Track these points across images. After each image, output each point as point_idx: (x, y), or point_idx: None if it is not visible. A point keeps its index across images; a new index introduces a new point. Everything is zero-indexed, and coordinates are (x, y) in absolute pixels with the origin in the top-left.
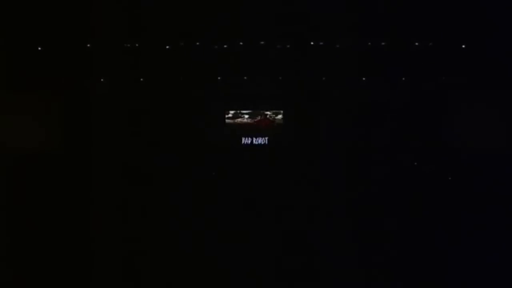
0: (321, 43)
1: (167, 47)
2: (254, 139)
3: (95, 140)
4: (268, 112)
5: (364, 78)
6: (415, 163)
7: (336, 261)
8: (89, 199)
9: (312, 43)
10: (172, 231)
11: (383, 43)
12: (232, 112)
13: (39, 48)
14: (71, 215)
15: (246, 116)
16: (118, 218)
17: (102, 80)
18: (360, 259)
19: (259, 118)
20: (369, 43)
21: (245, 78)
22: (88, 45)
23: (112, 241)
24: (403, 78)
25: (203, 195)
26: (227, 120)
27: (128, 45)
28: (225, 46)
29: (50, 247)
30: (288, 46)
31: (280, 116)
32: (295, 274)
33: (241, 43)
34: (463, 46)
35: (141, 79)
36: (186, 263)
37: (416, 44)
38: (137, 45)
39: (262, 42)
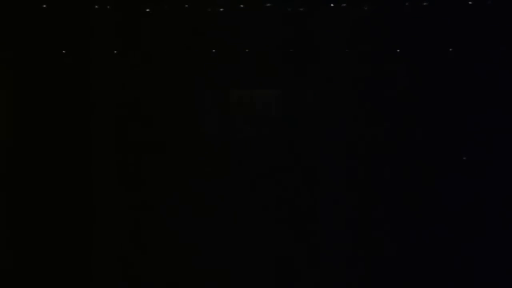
0: (343, 5)
1: (147, 10)
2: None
3: (54, 128)
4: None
5: (398, 50)
6: (464, 158)
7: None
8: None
9: (332, 5)
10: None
11: (425, 3)
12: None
13: None
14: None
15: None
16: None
17: (64, 52)
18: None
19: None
20: (407, 3)
21: (247, 50)
22: (44, 6)
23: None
24: (450, 49)
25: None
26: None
27: (97, 7)
28: (221, 9)
29: None
30: (302, 9)
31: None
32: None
33: (241, 6)
34: None
35: (115, 51)
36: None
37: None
38: (108, 6)
39: (268, 4)
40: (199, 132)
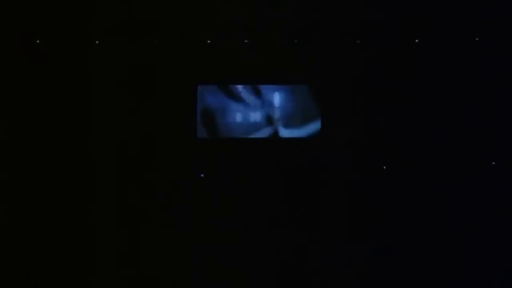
0: None
1: None
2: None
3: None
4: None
5: (417, 40)
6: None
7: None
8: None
9: None
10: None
11: None
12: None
13: None
14: None
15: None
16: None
17: (38, 41)
18: None
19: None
20: None
21: (245, 41)
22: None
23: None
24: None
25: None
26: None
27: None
28: None
29: None
30: None
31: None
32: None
33: None
34: None
35: (96, 42)
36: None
37: None
38: None
39: None
40: None
